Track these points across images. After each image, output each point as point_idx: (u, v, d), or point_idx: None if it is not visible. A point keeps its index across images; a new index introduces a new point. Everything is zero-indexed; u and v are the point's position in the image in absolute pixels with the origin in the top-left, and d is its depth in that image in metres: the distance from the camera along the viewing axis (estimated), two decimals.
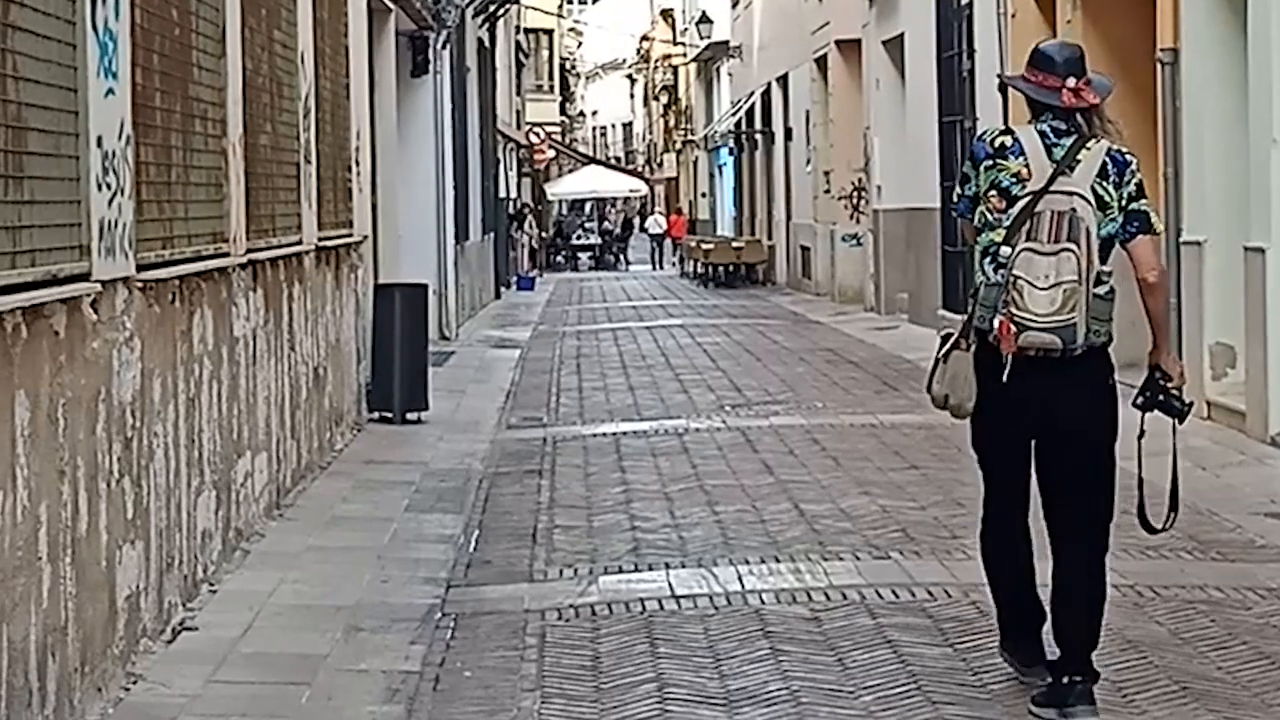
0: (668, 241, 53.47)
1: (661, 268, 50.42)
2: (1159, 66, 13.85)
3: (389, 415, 13.80)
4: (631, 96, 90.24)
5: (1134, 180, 6.13)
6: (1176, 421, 6.35)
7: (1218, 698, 6.17)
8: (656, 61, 73.46)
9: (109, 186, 6.36)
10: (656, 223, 56.91)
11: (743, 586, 8.08)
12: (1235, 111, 12.70)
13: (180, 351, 7.57)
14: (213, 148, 8.43)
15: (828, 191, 29.97)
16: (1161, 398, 6.36)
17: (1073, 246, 5.97)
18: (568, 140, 71.81)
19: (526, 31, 50.24)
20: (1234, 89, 12.76)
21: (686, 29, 58.64)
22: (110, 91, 6.37)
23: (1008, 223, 6.11)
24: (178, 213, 7.70)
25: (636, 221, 63.82)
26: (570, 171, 63.51)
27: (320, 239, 11.51)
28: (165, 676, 6.54)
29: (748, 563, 8.58)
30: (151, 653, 6.80)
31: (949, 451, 12.06)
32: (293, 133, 10.76)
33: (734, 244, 39.08)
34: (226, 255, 8.52)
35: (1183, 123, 13.55)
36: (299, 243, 10.72)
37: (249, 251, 9.03)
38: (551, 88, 63.13)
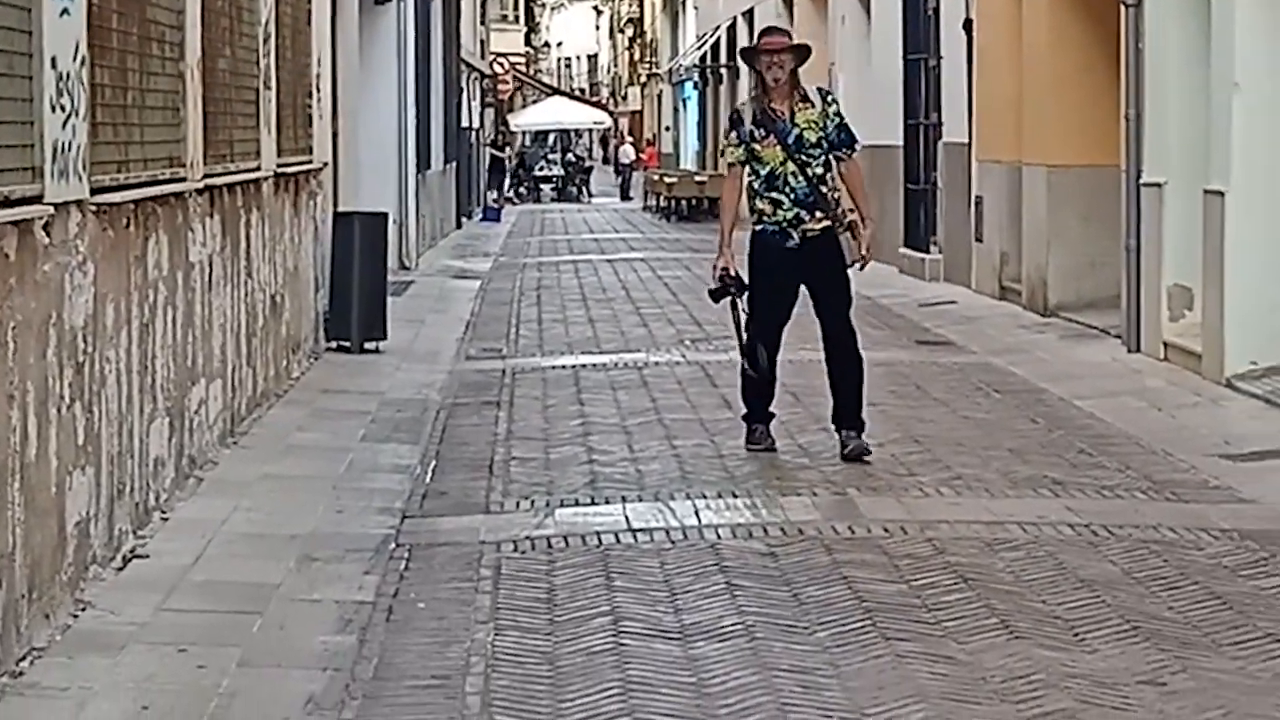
0: (636, 174, 53.34)
1: (629, 199, 50.25)
2: (1123, 9, 13.82)
3: (347, 344, 13.74)
4: (597, 28, 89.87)
5: None
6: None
7: (1168, 637, 6.19)
8: None
9: (63, 108, 6.28)
10: (625, 153, 56.78)
11: (699, 521, 8.07)
12: (1198, 55, 12.68)
13: (134, 276, 7.49)
14: (170, 71, 8.33)
15: None
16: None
17: None
18: (532, 71, 71.40)
19: None
20: (1197, 32, 12.73)
21: None
22: (65, 11, 6.28)
23: None
24: (133, 136, 7.61)
25: (600, 154, 63.56)
26: (534, 103, 63.20)
27: (279, 165, 11.42)
28: (114, 604, 6.50)
29: (705, 497, 8.57)
30: (101, 580, 6.76)
31: (907, 389, 12.09)
32: (252, 58, 10.65)
33: (697, 178, 38.98)
34: (183, 180, 8.44)
35: (1145, 66, 13.52)
36: (257, 169, 10.63)
37: (206, 177, 8.95)
38: (516, 18, 62.79)
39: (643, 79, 70.20)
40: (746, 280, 9.59)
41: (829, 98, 9.63)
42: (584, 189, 51.48)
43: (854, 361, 9.56)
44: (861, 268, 9.50)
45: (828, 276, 9.42)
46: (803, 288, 9.58)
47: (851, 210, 9.54)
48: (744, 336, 9.72)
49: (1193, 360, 12.41)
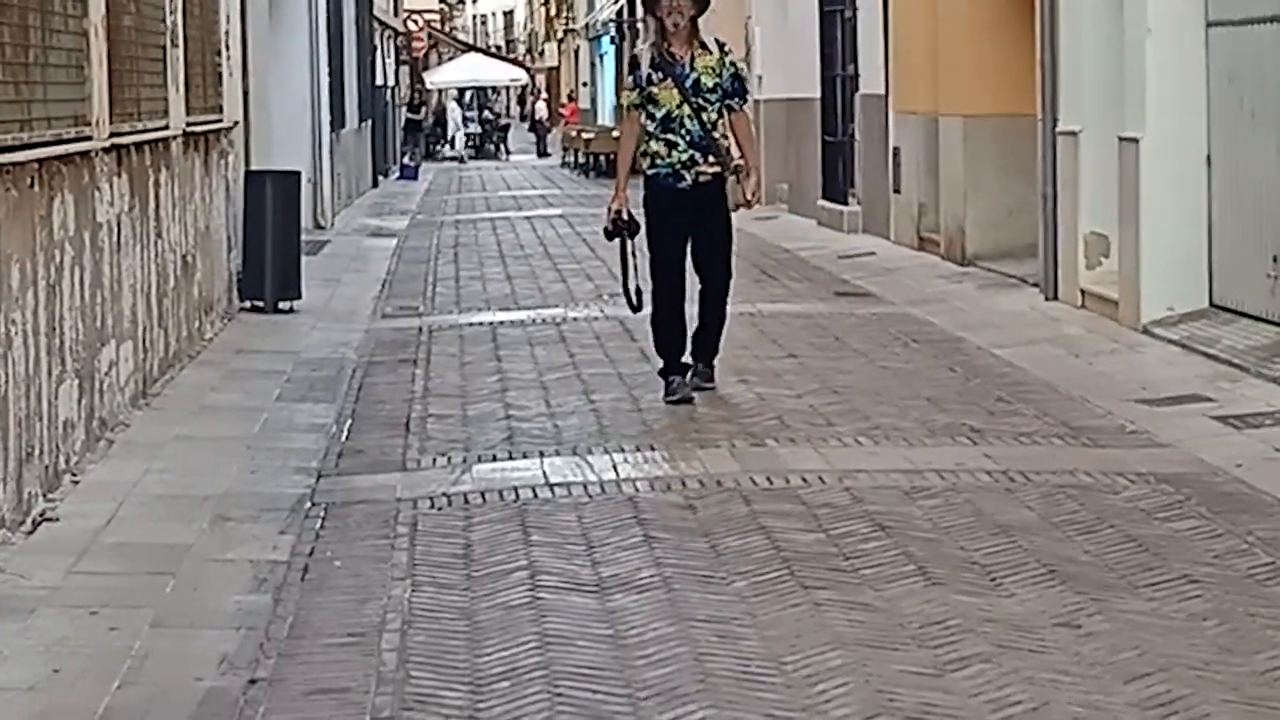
0: (554, 130, 53.22)
1: (547, 155, 50.07)
2: None
3: (261, 304, 13.61)
4: None
5: None
6: None
7: (1084, 580, 6.21)
8: None
9: None
10: (539, 110, 56.62)
11: (617, 475, 8.03)
12: (1111, 2, 12.70)
13: (40, 237, 7.37)
14: (73, 28, 8.19)
15: None
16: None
17: None
18: (447, 28, 70.93)
19: None
20: None
21: None
22: None
23: None
24: (36, 95, 7.48)
25: (517, 111, 63.24)
26: (450, 60, 62.80)
27: (189, 124, 11.29)
28: (24, 568, 6.40)
29: (623, 451, 8.53)
30: (10, 544, 6.66)
31: (825, 340, 12.09)
32: (158, 15, 10.51)
33: (615, 134, 38.85)
34: (89, 139, 8.32)
35: (1059, 14, 13.53)
36: (166, 127, 10.50)
37: (113, 136, 8.82)
38: None
39: (559, 35, 69.90)
40: (642, 223, 9.88)
41: (725, 48, 9.90)
42: (501, 146, 51.28)
43: (721, 308, 9.96)
44: (749, 207, 10.10)
45: (711, 225, 9.80)
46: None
47: (739, 158, 9.86)
48: (628, 276, 10.08)
49: (1110, 307, 12.47)
